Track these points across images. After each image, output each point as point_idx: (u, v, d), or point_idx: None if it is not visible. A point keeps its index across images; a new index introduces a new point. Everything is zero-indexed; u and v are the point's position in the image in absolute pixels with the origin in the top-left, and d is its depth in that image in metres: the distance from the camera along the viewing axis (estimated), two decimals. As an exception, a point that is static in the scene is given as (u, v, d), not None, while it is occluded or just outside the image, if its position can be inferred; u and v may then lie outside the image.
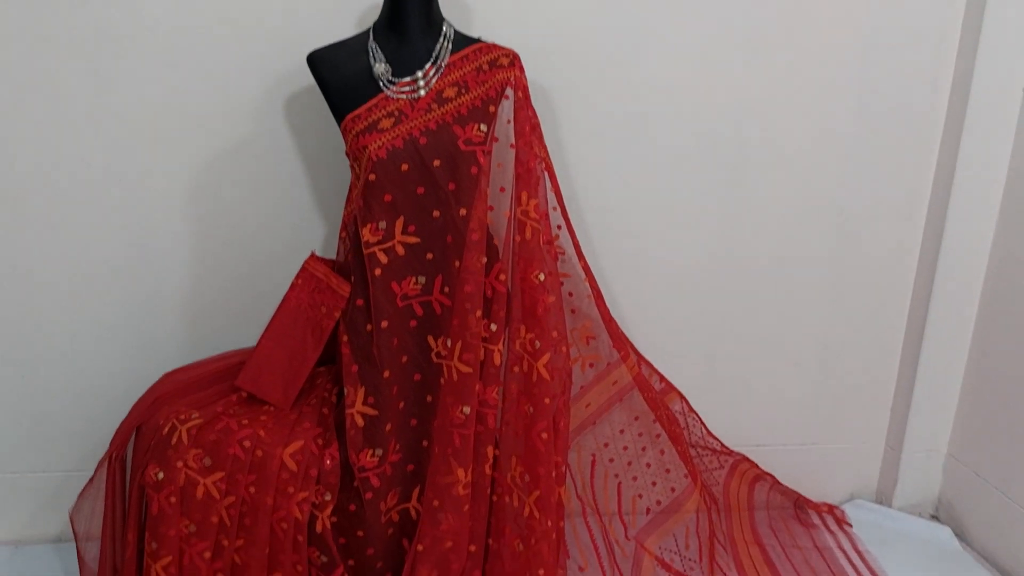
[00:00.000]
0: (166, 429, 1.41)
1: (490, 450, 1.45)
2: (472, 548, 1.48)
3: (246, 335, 1.63)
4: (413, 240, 1.40)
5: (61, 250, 1.65)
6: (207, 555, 1.41)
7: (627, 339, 1.73)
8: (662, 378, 1.79)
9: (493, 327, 1.42)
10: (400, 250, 1.39)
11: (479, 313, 1.39)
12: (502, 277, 1.41)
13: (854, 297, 1.92)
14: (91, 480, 1.51)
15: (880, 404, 2.02)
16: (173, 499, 1.39)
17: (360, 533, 1.47)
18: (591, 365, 1.66)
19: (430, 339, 1.44)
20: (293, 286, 1.48)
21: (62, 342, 1.71)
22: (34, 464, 1.76)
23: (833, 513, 1.98)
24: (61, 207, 1.63)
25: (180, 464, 1.39)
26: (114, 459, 1.47)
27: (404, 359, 1.45)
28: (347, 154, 1.45)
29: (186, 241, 1.68)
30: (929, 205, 1.87)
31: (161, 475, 1.39)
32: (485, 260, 1.40)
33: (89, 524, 1.52)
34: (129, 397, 1.54)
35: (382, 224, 1.37)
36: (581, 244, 1.61)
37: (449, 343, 1.41)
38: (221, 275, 1.70)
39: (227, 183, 1.66)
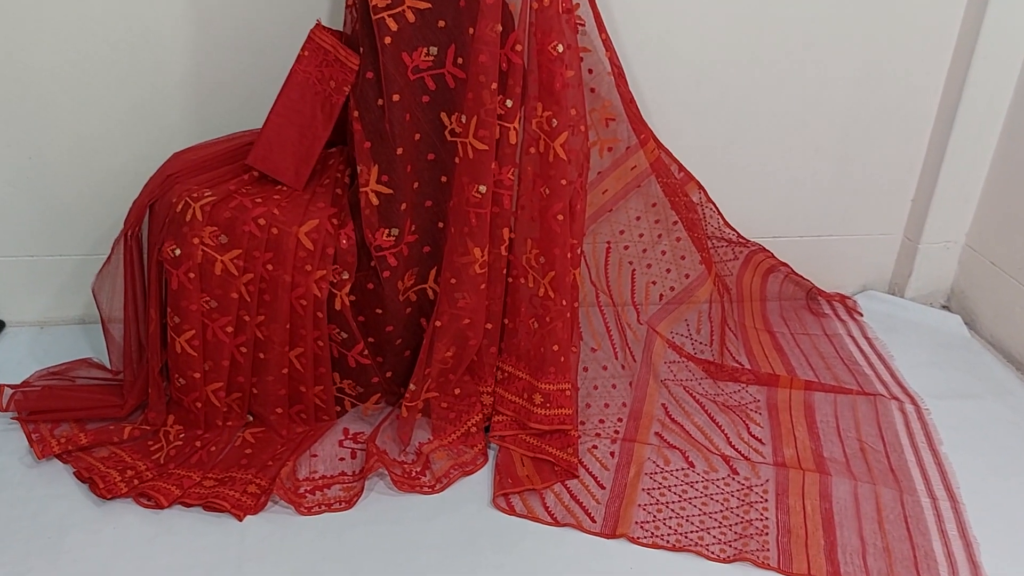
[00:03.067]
0: (179, 207, 1.40)
1: (506, 232, 1.44)
2: (489, 326, 1.50)
3: (255, 116, 1.57)
4: (424, 5, 1.31)
5: (62, 30, 1.57)
6: (229, 329, 1.44)
7: (646, 124, 1.68)
8: (681, 167, 1.75)
9: (509, 103, 1.36)
10: (410, 16, 1.31)
11: (494, 87, 1.33)
12: (518, 48, 1.34)
13: (883, 80, 1.83)
14: (108, 258, 1.52)
15: (901, 194, 1.98)
16: (192, 275, 1.40)
17: (379, 311, 1.49)
18: (609, 149, 1.62)
19: (443, 116, 1.39)
20: (299, 58, 1.42)
21: (66, 123, 1.66)
22: (51, 247, 1.77)
23: (844, 302, 2.00)
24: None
25: (196, 241, 1.39)
26: (130, 236, 1.48)
27: (417, 136, 1.40)
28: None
29: (187, 14, 1.59)
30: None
31: (178, 251, 1.39)
32: (500, 29, 1.32)
33: (111, 302, 1.55)
34: (139, 179, 1.52)
35: (391, -13, 1.29)
36: (603, 18, 1.52)
37: (464, 119, 1.36)
38: (225, 48, 1.63)
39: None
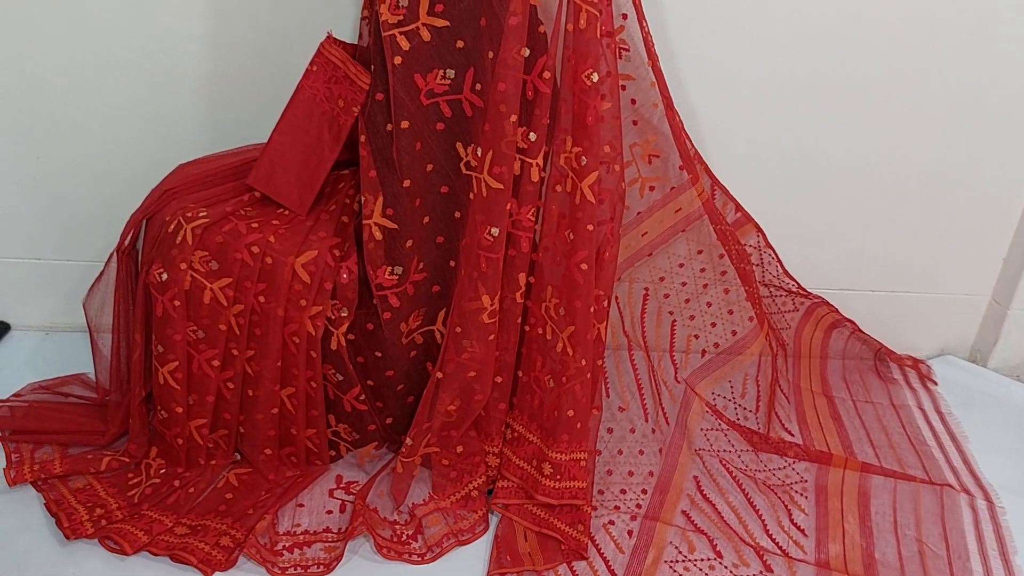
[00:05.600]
0: (171, 226, 1.29)
1: (522, 277, 1.28)
2: (499, 379, 1.35)
3: (268, 123, 1.45)
4: (441, 23, 1.16)
5: (76, 33, 1.49)
6: (216, 363, 1.32)
7: (700, 158, 1.49)
8: (738, 207, 1.56)
9: (533, 136, 1.20)
10: (425, 34, 1.16)
11: (514, 118, 1.16)
12: (546, 75, 1.17)
13: (979, 121, 1.59)
14: (101, 273, 1.42)
15: (991, 251, 1.74)
16: (177, 302, 1.29)
17: (378, 354, 1.35)
18: (651, 188, 1.44)
19: (459, 146, 1.24)
20: (307, 73, 1.28)
21: (78, 126, 1.57)
22: (58, 252, 1.70)
23: (917, 368, 1.78)
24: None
25: (184, 266, 1.27)
26: (123, 252, 1.38)
27: (429, 167, 1.25)
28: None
29: (200, 14, 1.48)
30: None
31: (165, 276, 1.28)
32: (527, 52, 1.15)
33: (100, 318, 1.46)
34: (148, 187, 1.42)
35: (403, 1, 1.13)
36: (654, 40, 1.34)
37: (479, 152, 1.21)
38: (239, 55, 1.51)
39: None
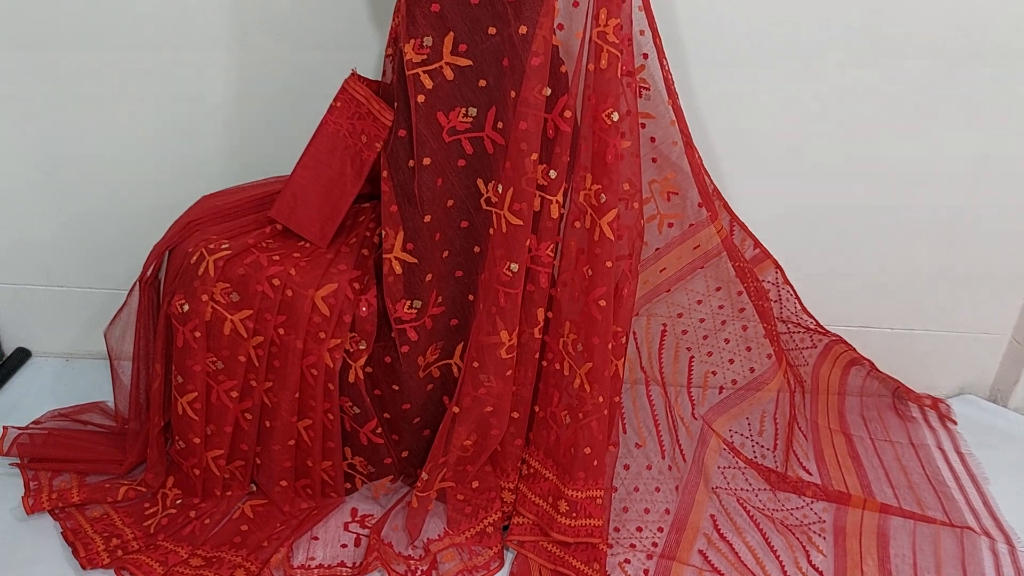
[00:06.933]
0: (194, 258, 1.30)
1: (541, 312, 1.28)
2: (515, 415, 1.35)
3: (291, 157, 1.47)
4: (464, 62, 1.17)
5: (96, 56, 1.51)
6: (234, 394, 1.33)
7: (719, 195, 1.49)
8: (756, 243, 1.55)
9: (553, 174, 1.21)
10: (448, 73, 1.17)
11: (535, 156, 1.17)
12: (567, 114, 1.18)
13: (999, 159, 1.58)
14: (124, 303, 1.43)
15: (1013, 290, 1.72)
16: (198, 333, 1.30)
17: (395, 387, 1.35)
18: (670, 225, 1.44)
19: (480, 182, 1.25)
20: (331, 109, 1.30)
21: (99, 152, 1.60)
22: (81, 279, 1.72)
23: (937, 407, 1.76)
24: (93, 7, 1.46)
25: (206, 297, 1.29)
26: (146, 283, 1.39)
27: (450, 203, 1.26)
28: (395, -47, 1.21)
29: (226, 48, 1.50)
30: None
31: (186, 307, 1.29)
32: (548, 92, 1.16)
33: (121, 346, 1.47)
34: (172, 217, 1.43)
35: (427, 40, 1.15)
36: (675, 79, 1.35)
37: (500, 189, 1.21)
38: (264, 88, 1.53)
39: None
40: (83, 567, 1.27)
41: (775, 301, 1.61)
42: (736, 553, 1.38)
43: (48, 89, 1.54)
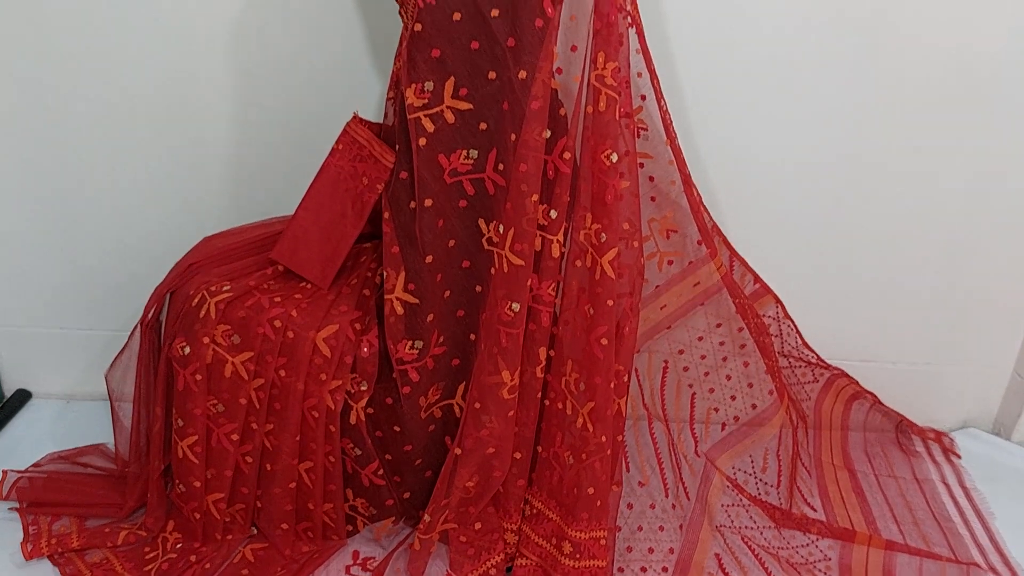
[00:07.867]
0: (195, 300, 1.31)
1: (543, 351, 1.28)
2: (518, 455, 1.34)
3: (293, 199, 1.48)
4: (464, 106, 1.18)
5: (97, 95, 1.52)
6: (235, 437, 1.32)
7: (719, 231, 1.50)
8: (756, 278, 1.56)
9: (553, 214, 1.21)
10: (449, 117, 1.19)
11: (535, 197, 1.18)
12: (567, 156, 1.19)
13: (1001, 193, 1.59)
14: (125, 345, 1.43)
15: (1015, 323, 1.73)
16: (199, 376, 1.29)
17: (397, 428, 1.35)
18: (670, 263, 1.45)
19: (481, 223, 1.26)
20: (333, 151, 1.31)
21: (100, 193, 1.61)
22: (82, 321, 1.72)
23: (940, 441, 1.75)
24: (95, 44, 1.47)
25: (207, 340, 1.29)
26: (147, 325, 1.39)
27: (451, 243, 1.27)
28: (396, -2, 1.23)
29: (228, 90, 1.52)
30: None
31: (187, 350, 1.29)
32: (548, 134, 1.17)
33: (121, 388, 1.46)
34: (174, 258, 1.44)
35: (428, 85, 1.16)
36: (673, 119, 1.36)
37: (501, 229, 1.22)
38: (266, 130, 1.54)
39: (274, 24, 1.46)
40: (82, 614, 1.26)
41: (776, 336, 1.61)
42: (742, 593, 1.37)
43: (49, 132, 1.55)
